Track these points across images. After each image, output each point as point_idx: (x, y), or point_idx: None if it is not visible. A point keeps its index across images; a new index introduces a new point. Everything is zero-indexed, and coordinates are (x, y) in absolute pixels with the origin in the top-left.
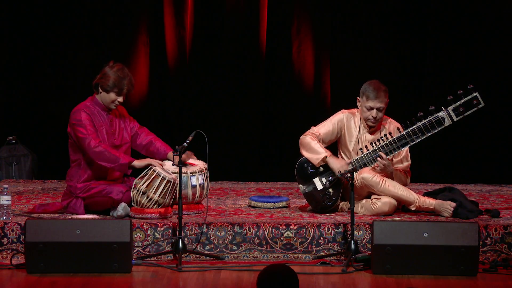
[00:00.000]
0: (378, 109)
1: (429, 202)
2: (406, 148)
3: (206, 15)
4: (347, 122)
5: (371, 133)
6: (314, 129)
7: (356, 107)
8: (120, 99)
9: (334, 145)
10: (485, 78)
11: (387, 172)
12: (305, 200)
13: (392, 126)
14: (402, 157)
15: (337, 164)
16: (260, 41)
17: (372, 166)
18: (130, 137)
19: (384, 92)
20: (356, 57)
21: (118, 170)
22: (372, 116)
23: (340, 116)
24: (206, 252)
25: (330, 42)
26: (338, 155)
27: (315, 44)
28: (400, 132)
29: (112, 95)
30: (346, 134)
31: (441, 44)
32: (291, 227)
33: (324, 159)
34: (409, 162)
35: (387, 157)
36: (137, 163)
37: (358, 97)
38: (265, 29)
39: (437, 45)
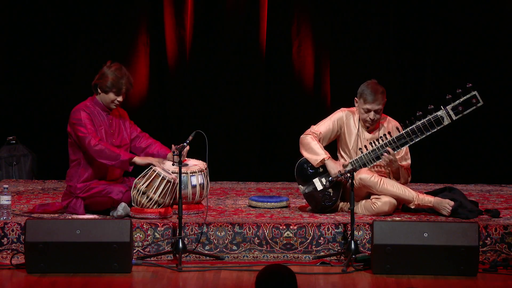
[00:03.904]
0: (375, 111)
1: (428, 199)
2: (405, 147)
3: (206, 15)
4: (346, 120)
5: (370, 131)
6: (314, 128)
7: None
8: (120, 98)
9: (334, 144)
10: (485, 77)
11: (393, 168)
12: (305, 200)
13: (391, 125)
14: (401, 156)
15: (335, 169)
16: (260, 41)
17: (372, 165)
18: (130, 139)
19: (381, 94)
20: (356, 57)
21: (119, 167)
22: (370, 118)
23: (340, 114)
24: (206, 252)
25: (330, 42)
26: (338, 154)
27: (315, 44)
28: (399, 131)
29: (111, 95)
30: (345, 132)
31: (440, 43)
32: (291, 227)
33: (322, 161)
34: (409, 161)
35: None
36: (138, 159)
37: (355, 98)
38: (265, 29)
39: (436, 44)
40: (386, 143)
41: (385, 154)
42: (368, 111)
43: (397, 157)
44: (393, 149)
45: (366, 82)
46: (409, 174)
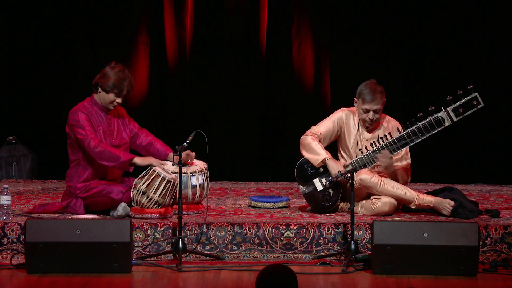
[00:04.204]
0: (374, 111)
1: (428, 199)
2: (405, 148)
3: (206, 15)
4: (346, 120)
5: (370, 131)
6: (314, 129)
7: None
8: (119, 100)
9: (334, 144)
10: (485, 78)
11: (389, 172)
12: (305, 200)
13: (390, 125)
14: (401, 156)
15: (336, 168)
16: (260, 41)
17: (372, 166)
18: (129, 138)
19: (380, 94)
20: (356, 57)
21: (119, 168)
22: (369, 118)
23: (340, 114)
24: (206, 252)
25: (330, 42)
26: (338, 154)
27: (315, 44)
28: (399, 132)
29: (111, 96)
30: (345, 133)
31: (441, 44)
32: (291, 227)
33: (323, 161)
34: (409, 161)
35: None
36: (138, 160)
37: (355, 98)
38: (265, 29)
39: (436, 45)
40: (386, 144)
41: (378, 156)
42: (367, 111)
43: (397, 157)
44: (394, 150)
45: (365, 82)
46: (408, 175)
